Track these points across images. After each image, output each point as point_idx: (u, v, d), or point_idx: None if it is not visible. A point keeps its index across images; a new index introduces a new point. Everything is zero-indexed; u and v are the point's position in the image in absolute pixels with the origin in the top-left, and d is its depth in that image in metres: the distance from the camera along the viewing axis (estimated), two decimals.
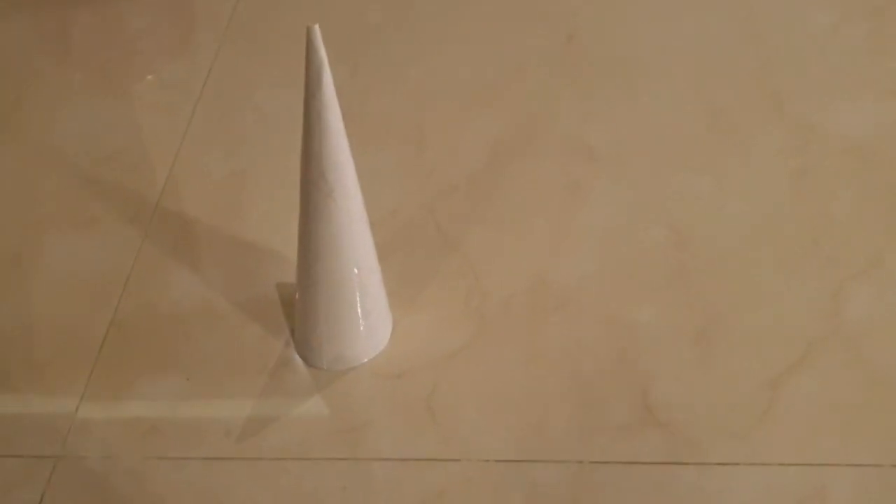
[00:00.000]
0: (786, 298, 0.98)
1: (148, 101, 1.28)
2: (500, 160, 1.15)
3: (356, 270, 0.85)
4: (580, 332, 0.95)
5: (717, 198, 1.10)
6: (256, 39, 1.37)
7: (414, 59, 1.31)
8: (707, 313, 0.97)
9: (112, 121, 1.25)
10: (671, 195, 1.10)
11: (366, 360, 0.92)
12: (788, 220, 1.06)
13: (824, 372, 0.91)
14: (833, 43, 1.31)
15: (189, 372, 0.93)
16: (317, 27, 0.71)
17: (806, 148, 1.15)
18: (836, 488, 0.82)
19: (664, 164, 1.14)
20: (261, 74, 1.30)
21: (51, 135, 1.23)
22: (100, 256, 1.06)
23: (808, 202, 1.08)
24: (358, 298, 0.87)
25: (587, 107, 1.22)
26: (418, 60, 1.30)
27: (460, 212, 1.09)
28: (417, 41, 1.34)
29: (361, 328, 0.90)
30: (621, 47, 1.32)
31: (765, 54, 1.29)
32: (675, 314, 0.97)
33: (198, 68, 1.32)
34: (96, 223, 1.10)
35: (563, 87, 1.25)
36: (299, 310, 0.91)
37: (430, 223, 1.07)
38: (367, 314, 0.89)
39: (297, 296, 0.90)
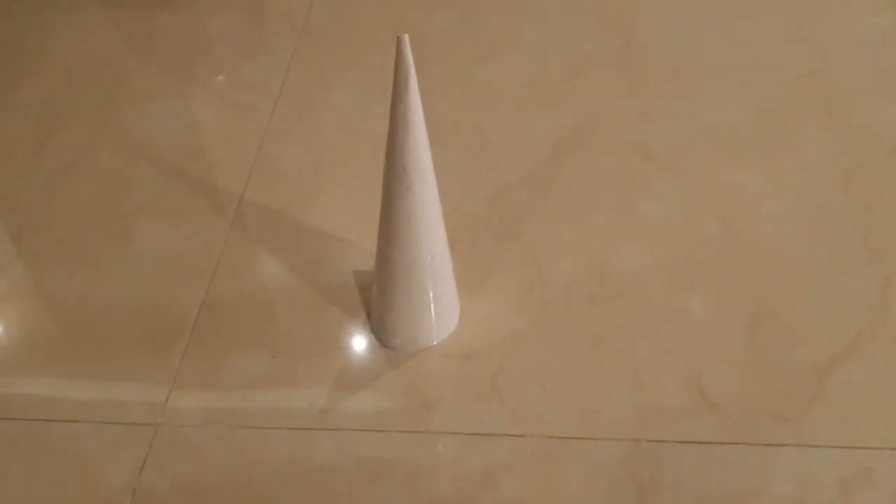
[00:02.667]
0: (834, 291, 1.03)
1: (230, 100, 1.36)
2: (560, 157, 1.21)
3: (430, 257, 0.92)
4: (637, 320, 1.02)
5: (768, 194, 1.15)
6: (330, 41, 1.45)
7: (477, 62, 1.38)
8: (758, 303, 1.02)
9: (197, 118, 1.34)
10: (724, 191, 1.15)
11: (436, 342, 1.00)
12: (837, 217, 1.11)
13: (871, 361, 0.96)
14: (885, 45, 1.35)
15: (275, 349, 1.01)
16: (406, 37, 0.78)
17: (855, 148, 1.20)
18: (881, 470, 0.87)
19: (717, 161, 1.19)
20: (335, 75, 1.38)
21: (141, 131, 1.31)
22: (190, 243, 1.14)
23: (857, 200, 1.13)
24: (430, 284, 0.94)
25: (643, 107, 1.28)
26: (481, 63, 1.37)
27: (522, 206, 1.15)
28: (481, 45, 1.41)
29: (433, 312, 0.97)
30: (676, 50, 1.37)
31: (818, 56, 1.34)
32: (728, 303, 1.03)
33: (275, 69, 1.40)
34: (186, 212, 1.18)
35: (619, 89, 1.31)
36: (376, 293, 0.98)
37: (493, 216, 1.14)
38: (439, 299, 0.96)
39: (374, 280, 0.98)
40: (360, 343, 1.01)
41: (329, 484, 0.89)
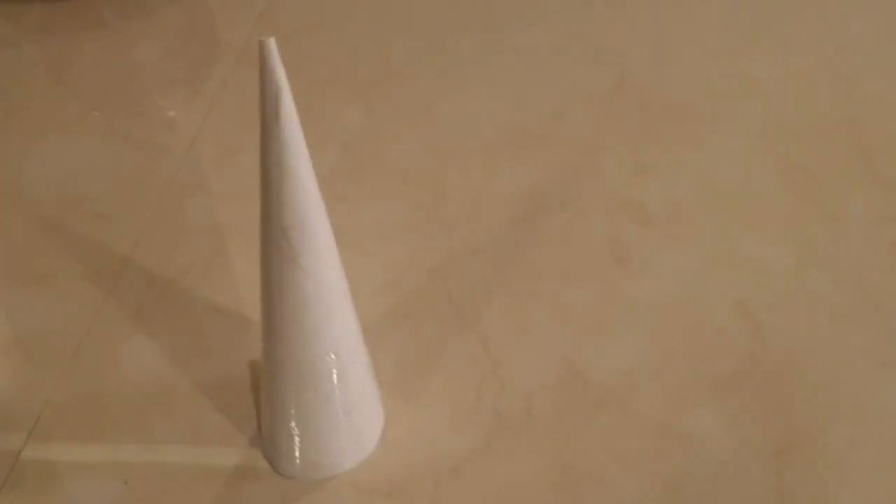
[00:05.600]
0: (889, 406, 0.77)
1: (139, 140, 1.13)
2: (533, 219, 0.96)
3: (333, 356, 0.66)
4: (624, 444, 0.75)
5: (797, 273, 0.89)
6: None
7: (439, 98, 1.13)
8: (788, 425, 0.76)
9: (94, 161, 1.10)
10: (741, 268, 0.90)
11: (347, 467, 0.73)
12: (887, 304, 0.85)
13: None
14: None
15: (129, 473, 0.75)
16: (272, 41, 0.54)
17: None
18: None
19: (731, 228, 0.94)
20: None
21: (21, 173, 1.07)
22: (51, 318, 0.89)
23: None
24: (336, 390, 0.69)
25: (639, 158, 1.03)
26: (444, 100, 1.13)
27: (480, 279, 0.90)
28: (445, 79, 1.17)
29: (341, 428, 0.71)
30: (679, 91, 1.13)
31: (854, 101, 1.10)
32: (747, 425, 0.76)
33: (199, 105, 1.17)
34: (53, 279, 0.93)
35: (610, 136, 1.07)
36: (265, 403, 0.72)
37: (442, 292, 0.89)
38: (349, 410, 0.70)
39: (262, 383, 0.72)
40: (244, 467, 0.74)
41: None
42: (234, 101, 1.17)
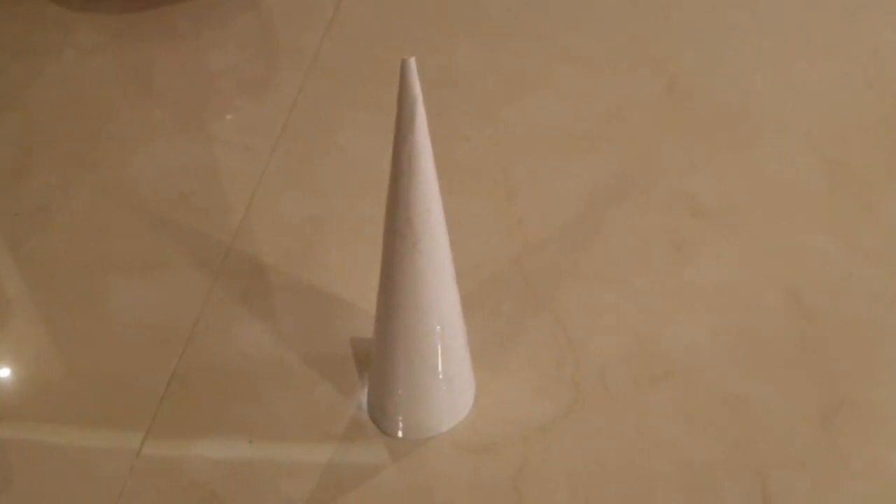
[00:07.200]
0: None
1: (225, 141, 1.22)
2: (597, 211, 1.05)
3: (439, 328, 0.76)
4: (688, 408, 0.85)
5: (842, 260, 0.98)
6: (341, 78, 1.30)
7: (505, 102, 1.23)
8: (834, 391, 0.85)
9: (187, 161, 1.20)
10: (789, 256, 0.99)
11: (446, 429, 0.83)
12: None
13: None
14: None
15: (252, 433, 0.85)
16: (412, 60, 0.63)
17: None
18: None
19: (779, 221, 1.03)
20: (344, 115, 1.23)
21: (125, 174, 1.17)
22: (166, 302, 0.99)
23: None
24: (440, 360, 0.78)
25: (692, 156, 1.12)
26: (510, 104, 1.22)
27: (552, 266, 0.99)
28: (510, 84, 1.26)
29: (443, 393, 0.81)
30: (728, 93, 1.22)
31: (888, 102, 1.18)
32: (798, 391, 0.85)
33: (278, 107, 1.26)
34: (164, 267, 1.03)
35: (665, 136, 1.16)
36: (375, 370, 0.82)
37: (518, 278, 0.98)
38: (450, 378, 0.80)
39: (373, 354, 0.82)
40: (354, 428, 0.85)
41: None
42: (311, 105, 1.27)
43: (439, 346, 0.78)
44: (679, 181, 1.09)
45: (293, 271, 1.02)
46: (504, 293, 0.97)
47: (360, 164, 1.15)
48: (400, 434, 0.82)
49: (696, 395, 0.85)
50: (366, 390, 0.86)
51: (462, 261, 0.96)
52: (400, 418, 0.82)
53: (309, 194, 1.12)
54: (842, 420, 0.83)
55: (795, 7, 1.35)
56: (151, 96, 1.34)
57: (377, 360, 0.81)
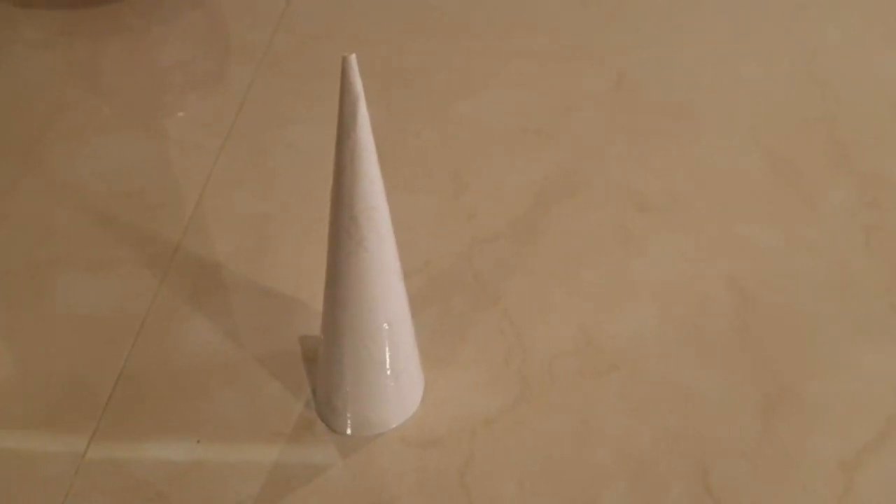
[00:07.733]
0: (861, 367, 0.89)
1: (174, 137, 1.21)
2: (546, 207, 1.07)
3: (387, 326, 0.77)
4: (633, 400, 0.86)
5: (782, 253, 1.00)
6: (292, 73, 1.30)
7: (454, 98, 1.23)
8: (774, 381, 0.87)
9: (136, 158, 1.19)
10: (732, 249, 1.01)
11: (395, 425, 0.84)
12: (862, 280, 0.97)
13: None
14: None
15: (200, 433, 0.85)
16: (353, 57, 0.64)
17: (877, 199, 1.06)
18: None
19: (723, 215, 1.05)
20: (295, 111, 1.23)
21: (72, 171, 1.16)
22: (113, 301, 0.98)
23: (883, 260, 0.99)
24: (388, 356, 0.79)
25: (639, 152, 1.14)
26: (458, 100, 1.23)
27: (501, 261, 1.00)
28: (461, 80, 1.27)
29: (390, 390, 0.81)
30: (674, 90, 1.24)
31: (829, 100, 1.21)
32: (740, 383, 0.87)
33: (228, 103, 1.26)
34: (112, 265, 1.02)
35: (613, 132, 1.17)
36: (323, 367, 0.82)
37: (467, 273, 0.99)
38: (398, 374, 0.81)
39: (320, 351, 0.82)
40: (302, 426, 0.85)
41: None
42: (261, 101, 1.26)
43: (386, 343, 0.78)
44: (626, 176, 1.10)
45: (242, 269, 1.01)
46: (453, 288, 0.97)
47: (311, 160, 1.15)
48: (348, 431, 0.83)
49: (640, 387, 0.87)
50: (313, 388, 0.87)
51: (412, 257, 0.97)
52: (348, 415, 0.82)
53: (259, 191, 1.12)
54: (782, 411, 0.85)
55: (740, 7, 1.38)
56: (100, 93, 1.32)
57: (325, 358, 0.81)
